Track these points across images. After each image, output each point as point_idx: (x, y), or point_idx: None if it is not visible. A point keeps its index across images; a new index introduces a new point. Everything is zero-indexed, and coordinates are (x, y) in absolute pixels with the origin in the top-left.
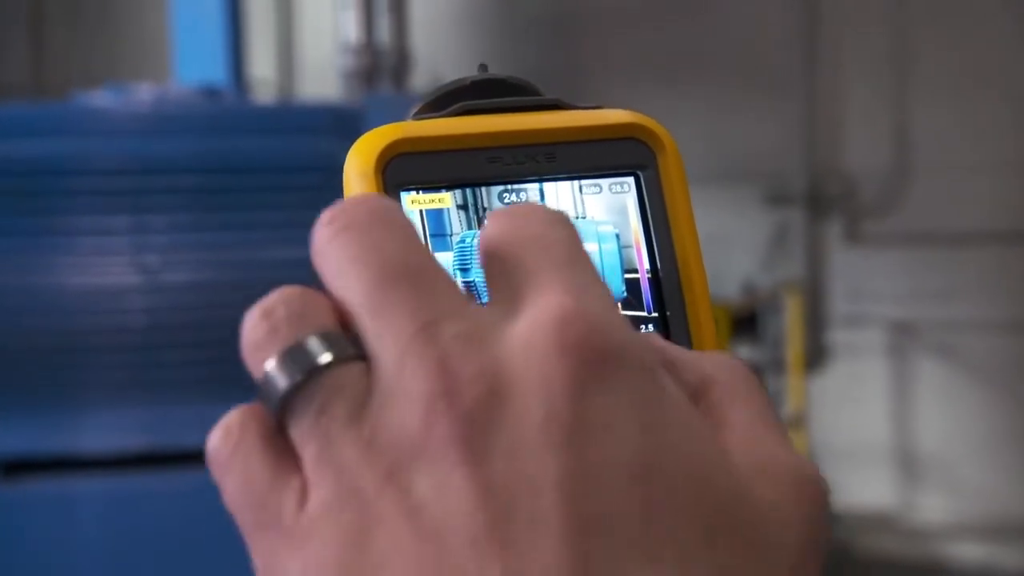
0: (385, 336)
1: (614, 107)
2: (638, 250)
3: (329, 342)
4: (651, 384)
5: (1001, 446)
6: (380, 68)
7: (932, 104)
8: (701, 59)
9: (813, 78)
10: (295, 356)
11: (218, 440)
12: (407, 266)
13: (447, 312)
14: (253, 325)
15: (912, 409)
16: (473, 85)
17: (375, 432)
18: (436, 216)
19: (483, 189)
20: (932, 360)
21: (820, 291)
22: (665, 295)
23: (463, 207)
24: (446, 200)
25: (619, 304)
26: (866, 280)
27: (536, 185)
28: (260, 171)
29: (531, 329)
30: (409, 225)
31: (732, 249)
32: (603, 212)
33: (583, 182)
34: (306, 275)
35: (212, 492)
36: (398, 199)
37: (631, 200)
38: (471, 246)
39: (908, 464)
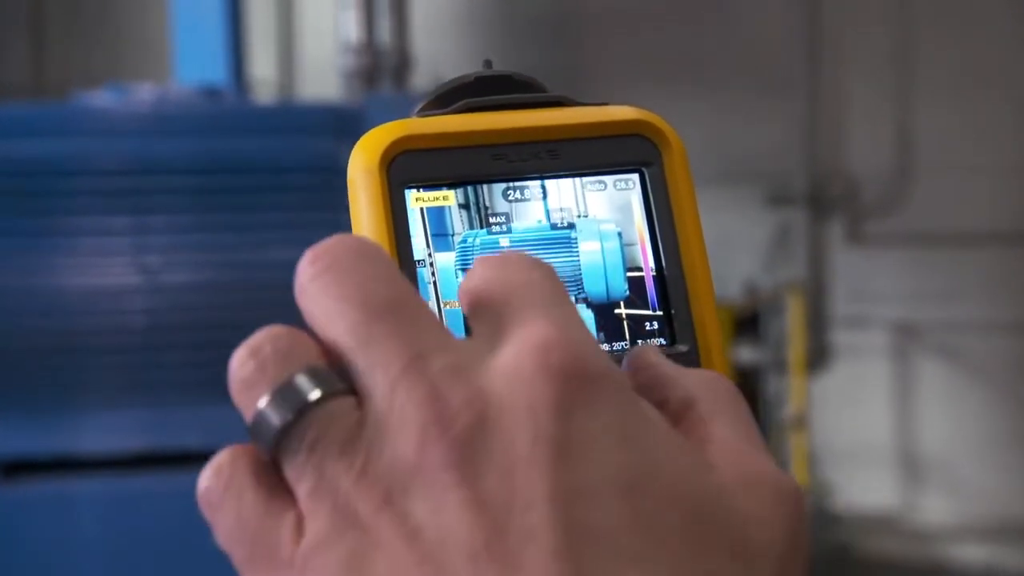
0: (374, 370)
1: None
2: (642, 247)
3: (318, 378)
4: (632, 405)
5: (1003, 447)
6: (380, 68)
7: (934, 104)
8: (702, 59)
9: (815, 78)
10: (285, 394)
11: (209, 479)
12: (391, 302)
13: (433, 346)
14: (241, 363)
15: (914, 410)
16: (477, 81)
17: (369, 462)
18: (438, 215)
19: (487, 186)
20: (934, 361)
21: (822, 292)
22: (670, 292)
23: (465, 207)
24: (450, 198)
25: (623, 304)
26: (868, 281)
27: (539, 182)
28: (260, 171)
29: (516, 356)
30: (391, 263)
31: (734, 250)
32: (606, 209)
33: (587, 179)
34: None
35: None
36: (402, 196)
37: (636, 197)
38: (473, 246)
39: (910, 465)
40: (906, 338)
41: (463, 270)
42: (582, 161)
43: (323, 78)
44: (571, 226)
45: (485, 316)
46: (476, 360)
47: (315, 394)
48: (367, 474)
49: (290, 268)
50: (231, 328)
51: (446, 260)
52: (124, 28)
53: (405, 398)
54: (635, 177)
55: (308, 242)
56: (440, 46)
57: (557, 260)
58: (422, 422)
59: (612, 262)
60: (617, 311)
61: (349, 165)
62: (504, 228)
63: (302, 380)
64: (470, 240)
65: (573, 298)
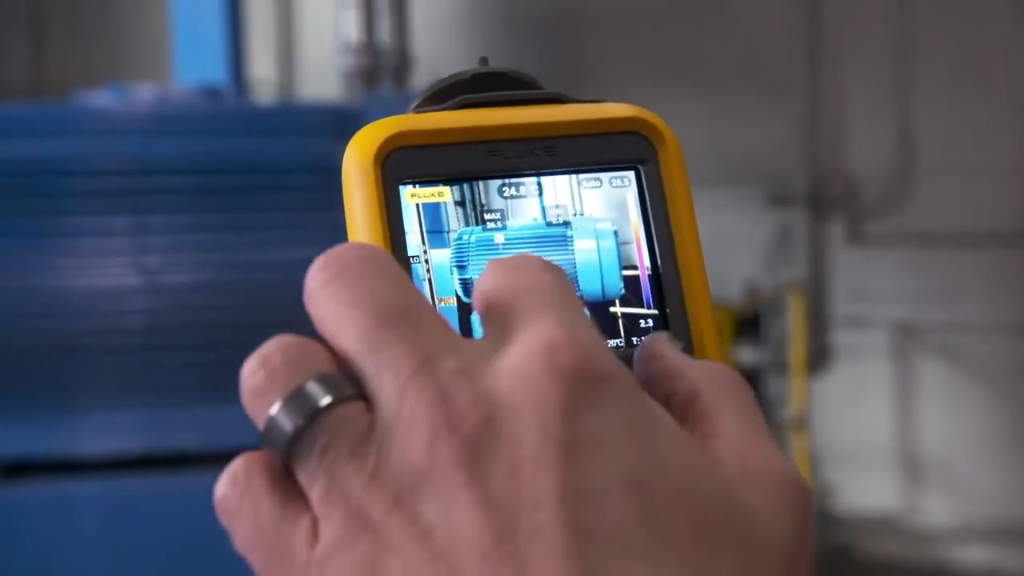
0: (384, 374)
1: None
2: (638, 245)
3: (328, 384)
4: (639, 405)
5: (1005, 448)
6: (380, 68)
7: (935, 105)
8: (702, 59)
9: (815, 78)
10: (296, 401)
11: (225, 487)
12: (400, 307)
13: (442, 349)
14: (252, 372)
15: (915, 411)
16: (473, 78)
17: (379, 464)
18: (434, 211)
19: (483, 183)
20: (935, 361)
21: (822, 292)
22: (665, 290)
23: (461, 203)
24: (445, 194)
25: (619, 302)
26: (869, 281)
27: (535, 179)
28: (260, 171)
29: (523, 357)
30: (399, 269)
31: (734, 250)
32: (602, 207)
33: (582, 176)
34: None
35: (210, 494)
36: (397, 192)
37: (631, 194)
38: (468, 243)
39: (911, 466)
40: (906, 338)
41: (459, 267)
42: (578, 158)
43: (323, 78)
44: (567, 224)
45: (496, 318)
46: (484, 360)
47: (325, 400)
48: (378, 476)
49: (290, 268)
50: (231, 328)
51: (441, 257)
52: (124, 28)
53: (414, 400)
54: (631, 174)
55: (308, 242)
56: (440, 46)
57: (552, 258)
58: (431, 424)
59: (608, 260)
60: (612, 309)
61: (344, 162)
62: (500, 225)
63: (312, 387)
64: (466, 237)
65: None
